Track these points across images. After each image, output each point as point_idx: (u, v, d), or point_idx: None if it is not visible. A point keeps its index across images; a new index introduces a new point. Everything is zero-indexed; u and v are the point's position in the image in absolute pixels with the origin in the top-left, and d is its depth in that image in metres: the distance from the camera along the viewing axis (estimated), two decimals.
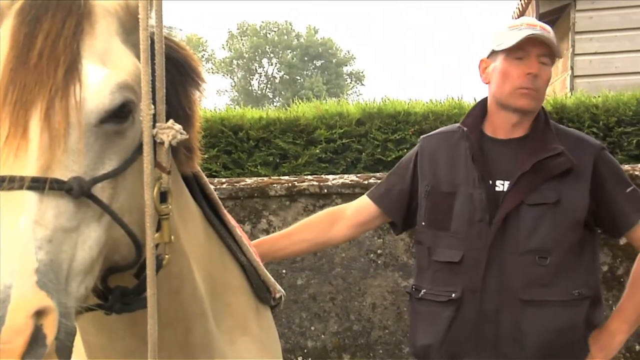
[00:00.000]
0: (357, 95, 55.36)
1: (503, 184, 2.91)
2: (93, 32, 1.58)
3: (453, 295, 2.93)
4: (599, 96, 7.19)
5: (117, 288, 1.73)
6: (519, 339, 2.84)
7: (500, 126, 3.00)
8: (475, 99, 6.93)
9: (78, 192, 1.47)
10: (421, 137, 3.27)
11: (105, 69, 1.55)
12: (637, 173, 5.65)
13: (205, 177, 2.23)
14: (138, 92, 1.61)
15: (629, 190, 2.95)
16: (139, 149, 1.63)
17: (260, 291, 2.43)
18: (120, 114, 1.57)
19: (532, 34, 2.84)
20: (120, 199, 1.59)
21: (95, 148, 1.54)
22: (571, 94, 9.18)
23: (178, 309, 1.98)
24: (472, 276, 2.89)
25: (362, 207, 3.32)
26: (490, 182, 2.93)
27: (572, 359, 2.88)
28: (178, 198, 1.93)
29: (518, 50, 2.89)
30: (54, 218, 1.44)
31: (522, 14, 11.99)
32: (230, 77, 59.95)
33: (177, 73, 1.91)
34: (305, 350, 6.07)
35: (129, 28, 1.67)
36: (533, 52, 2.88)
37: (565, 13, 10.79)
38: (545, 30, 2.90)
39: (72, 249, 1.47)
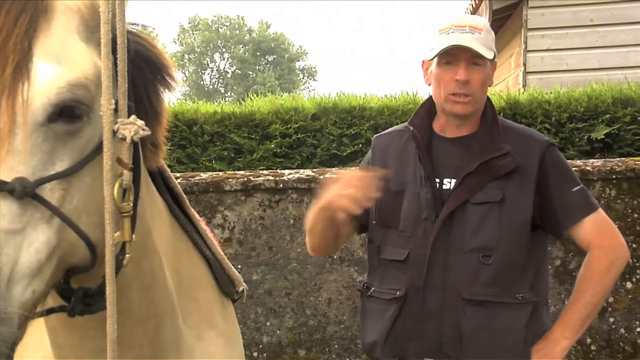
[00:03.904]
0: (310, 91, 55.36)
1: (450, 182, 2.91)
2: (49, 29, 1.54)
3: (397, 293, 2.93)
4: (550, 92, 7.29)
5: (80, 289, 1.68)
6: (458, 338, 2.84)
7: (446, 126, 3.01)
8: (430, 94, 6.95)
9: (21, 193, 1.42)
10: (374, 136, 3.27)
11: (58, 67, 1.51)
12: (588, 168, 5.73)
13: (168, 171, 2.20)
14: (94, 92, 1.56)
15: (575, 189, 2.92)
16: (97, 149, 1.58)
17: (225, 285, 2.42)
18: (71, 114, 1.52)
19: (451, 45, 2.81)
20: (74, 200, 1.54)
21: (44, 148, 1.49)
22: (524, 89, 9.27)
23: (149, 306, 1.95)
24: (416, 274, 2.89)
25: None
26: (437, 180, 2.93)
27: None
28: (146, 194, 1.90)
29: (447, 55, 2.86)
30: None
31: (475, 10, 12.08)
32: (181, 71, 59.50)
33: (149, 71, 1.87)
34: (261, 346, 6.06)
35: (93, 26, 1.61)
36: (462, 56, 2.83)
37: (518, 10, 10.91)
38: (477, 29, 2.85)
39: (16, 252, 1.42)
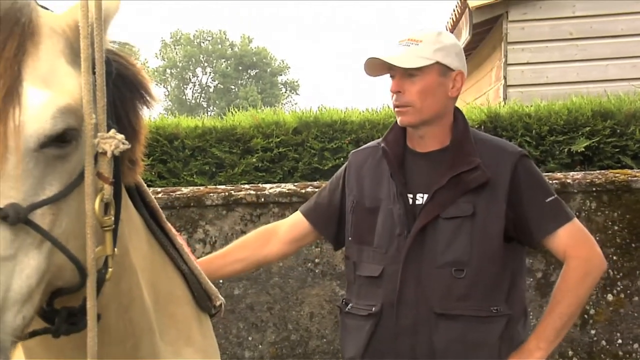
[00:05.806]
0: (292, 105, 55.51)
1: (423, 197, 2.91)
2: (37, 53, 1.53)
3: (373, 309, 2.94)
4: (531, 105, 7.32)
5: (64, 309, 1.67)
6: (432, 354, 2.84)
7: (414, 139, 3.02)
8: None
9: (14, 219, 1.41)
10: (351, 152, 3.28)
11: (48, 92, 1.50)
12: (568, 181, 5.75)
13: (145, 185, 2.19)
14: (81, 116, 1.55)
15: (549, 199, 2.92)
16: (83, 173, 1.57)
17: (202, 300, 2.40)
18: (62, 139, 1.51)
19: (370, 58, 2.91)
20: (63, 224, 1.54)
21: (35, 173, 1.48)
22: (504, 103, 9.32)
23: (127, 326, 1.94)
24: (390, 290, 2.89)
25: (296, 222, 3.32)
26: (411, 196, 2.93)
27: None
28: (124, 212, 1.89)
29: (390, 70, 2.94)
30: None
31: (455, 24, 12.12)
32: (163, 86, 59.48)
33: (127, 90, 1.86)
34: None
35: (78, 48, 1.60)
36: (397, 69, 2.90)
37: (498, 24, 10.97)
38: (414, 40, 2.90)
39: (8, 278, 1.41)
